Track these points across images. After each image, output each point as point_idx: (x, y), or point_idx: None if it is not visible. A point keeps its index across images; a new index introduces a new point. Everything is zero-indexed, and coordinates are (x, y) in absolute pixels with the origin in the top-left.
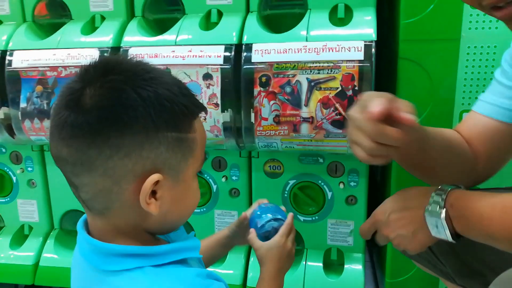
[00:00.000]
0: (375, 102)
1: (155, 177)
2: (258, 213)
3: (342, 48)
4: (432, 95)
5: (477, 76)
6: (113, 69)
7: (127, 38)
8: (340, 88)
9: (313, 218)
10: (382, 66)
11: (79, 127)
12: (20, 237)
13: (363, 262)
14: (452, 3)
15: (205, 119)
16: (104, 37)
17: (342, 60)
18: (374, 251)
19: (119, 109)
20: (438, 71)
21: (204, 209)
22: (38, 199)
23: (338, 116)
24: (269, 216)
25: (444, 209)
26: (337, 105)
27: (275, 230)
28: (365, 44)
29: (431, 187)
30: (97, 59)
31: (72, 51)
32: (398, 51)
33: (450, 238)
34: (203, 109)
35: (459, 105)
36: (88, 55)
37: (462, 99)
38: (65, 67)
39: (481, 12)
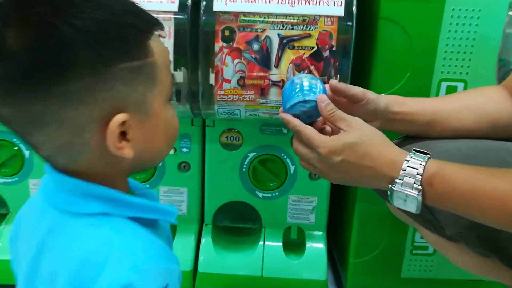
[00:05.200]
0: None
1: (119, 117)
2: (291, 88)
3: (319, 0)
4: (412, 60)
5: (459, 42)
6: (33, 0)
7: None
8: (316, 48)
9: (273, 195)
10: (360, 26)
11: (12, 80)
12: None
13: (325, 240)
14: None
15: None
16: None
17: (319, 15)
18: (330, 228)
19: (54, 49)
20: (419, 35)
21: (147, 185)
22: None
23: None
24: (300, 96)
25: (421, 187)
26: (312, 68)
27: (304, 114)
28: None
29: (401, 152)
30: None
31: None
32: (378, 9)
33: (415, 211)
34: (157, 24)
35: (438, 74)
36: None
37: (441, 67)
38: None
39: None
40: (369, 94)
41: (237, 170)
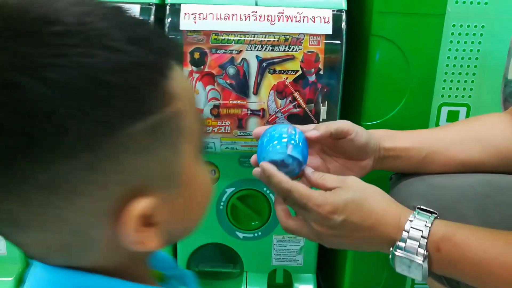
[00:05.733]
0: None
1: (138, 207)
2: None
3: (304, 17)
4: (409, 83)
5: (460, 62)
6: None
7: None
8: (300, 72)
9: (255, 235)
10: (350, 45)
11: None
12: None
13: (314, 283)
14: None
15: None
16: None
17: (304, 34)
18: (320, 269)
19: (20, 123)
20: (417, 54)
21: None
22: None
23: (297, 109)
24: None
25: (427, 253)
26: (296, 95)
27: (295, 162)
28: (333, 14)
29: (404, 210)
30: None
31: None
32: (370, 26)
33: (421, 279)
34: (175, 50)
35: (438, 97)
36: None
37: (442, 90)
38: None
39: None
40: (357, 128)
41: (213, 208)
